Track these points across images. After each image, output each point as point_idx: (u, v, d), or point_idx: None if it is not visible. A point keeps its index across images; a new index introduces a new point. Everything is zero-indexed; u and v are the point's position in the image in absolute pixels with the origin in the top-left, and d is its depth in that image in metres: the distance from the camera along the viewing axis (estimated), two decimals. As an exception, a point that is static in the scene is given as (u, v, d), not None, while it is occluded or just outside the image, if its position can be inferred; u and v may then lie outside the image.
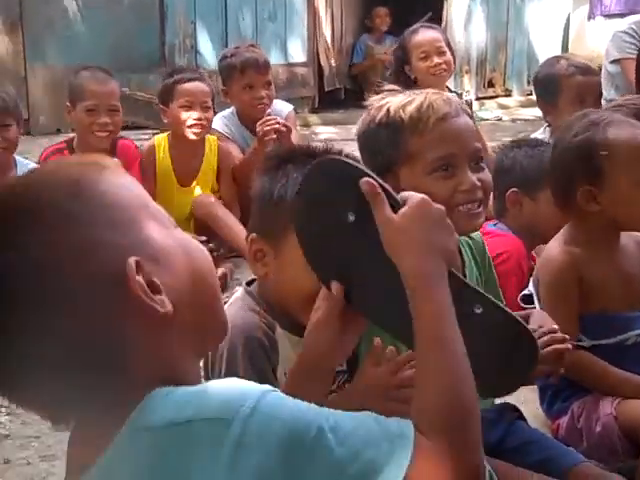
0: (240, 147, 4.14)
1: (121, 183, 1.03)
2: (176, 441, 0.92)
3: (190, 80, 3.90)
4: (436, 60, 4.08)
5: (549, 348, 1.74)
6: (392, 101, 1.83)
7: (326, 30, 8.02)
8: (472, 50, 8.61)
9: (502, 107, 8.49)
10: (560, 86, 3.75)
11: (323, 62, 7.97)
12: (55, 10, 6.71)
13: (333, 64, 8.12)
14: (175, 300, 0.97)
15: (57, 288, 0.92)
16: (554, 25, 8.85)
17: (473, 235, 1.99)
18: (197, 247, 1.06)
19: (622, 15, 7.25)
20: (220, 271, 3.45)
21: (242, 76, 4.13)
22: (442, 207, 1.17)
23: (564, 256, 2.23)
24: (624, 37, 4.66)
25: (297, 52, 7.78)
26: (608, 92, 4.68)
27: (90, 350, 0.93)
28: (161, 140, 4.02)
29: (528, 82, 8.44)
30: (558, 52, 8.83)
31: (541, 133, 3.85)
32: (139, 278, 0.93)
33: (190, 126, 3.84)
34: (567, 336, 1.79)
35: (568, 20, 8.73)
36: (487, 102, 8.64)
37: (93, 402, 0.96)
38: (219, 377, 1.60)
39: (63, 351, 0.93)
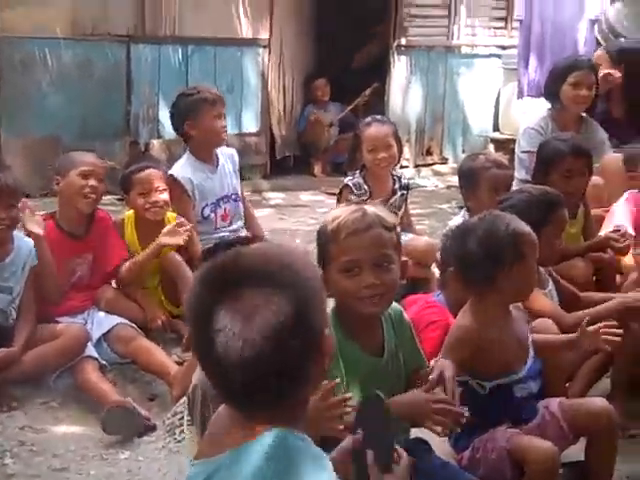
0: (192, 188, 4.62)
1: None
2: None
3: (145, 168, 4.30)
4: (382, 154, 4.70)
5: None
6: (331, 214, 2.51)
7: (278, 101, 8.52)
8: (411, 120, 9.12)
9: (438, 174, 8.97)
10: (478, 178, 4.25)
11: (275, 132, 8.48)
12: (30, 83, 7.12)
13: (284, 133, 8.59)
14: None
15: None
16: (486, 99, 9.41)
17: (394, 307, 2.63)
18: None
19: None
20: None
21: (213, 107, 4.65)
22: None
23: (469, 323, 2.79)
24: (532, 133, 5.35)
25: (251, 123, 8.31)
26: (519, 173, 5.27)
27: None
28: (130, 217, 4.36)
29: (463, 151, 9.05)
30: (490, 125, 9.52)
31: (461, 217, 4.32)
32: None
33: (147, 208, 4.23)
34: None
35: (499, 95, 9.32)
36: (424, 170, 9.15)
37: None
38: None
39: None
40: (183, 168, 4.70)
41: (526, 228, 2.83)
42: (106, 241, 4.17)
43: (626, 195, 4.57)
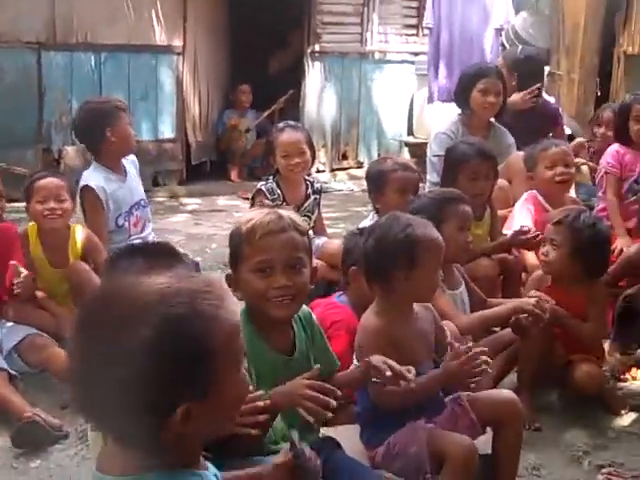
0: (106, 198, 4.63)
1: None
2: None
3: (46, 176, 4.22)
4: (295, 160, 4.76)
5: None
6: (245, 216, 2.54)
7: (193, 108, 8.50)
8: (327, 125, 9.21)
9: (354, 178, 9.03)
10: (386, 180, 4.37)
11: (190, 138, 8.46)
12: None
13: (200, 139, 8.58)
14: None
15: None
16: (400, 104, 9.54)
17: (302, 308, 2.66)
18: None
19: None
20: None
21: (126, 114, 4.78)
22: None
23: (376, 323, 2.83)
24: (443, 137, 5.48)
25: (167, 129, 8.29)
26: (432, 176, 5.44)
27: None
28: (32, 228, 4.27)
29: (378, 155, 9.11)
30: (404, 129, 9.66)
31: (370, 219, 4.41)
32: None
33: (45, 216, 4.13)
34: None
35: (412, 100, 9.46)
36: (340, 173, 9.25)
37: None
38: None
39: None
40: (95, 178, 4.68)
41: (427, 233, 2.84)
42: (9, 254, 4.05)
43: (525, 195, 4.74)
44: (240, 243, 2.49)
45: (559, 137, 6.07)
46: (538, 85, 6.09)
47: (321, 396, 2.31)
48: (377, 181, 4.47)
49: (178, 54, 8.28)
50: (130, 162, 4.96)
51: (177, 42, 8.24)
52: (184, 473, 1.47)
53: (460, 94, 5.69)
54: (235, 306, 1.50)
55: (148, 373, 1.35)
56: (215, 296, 1.45)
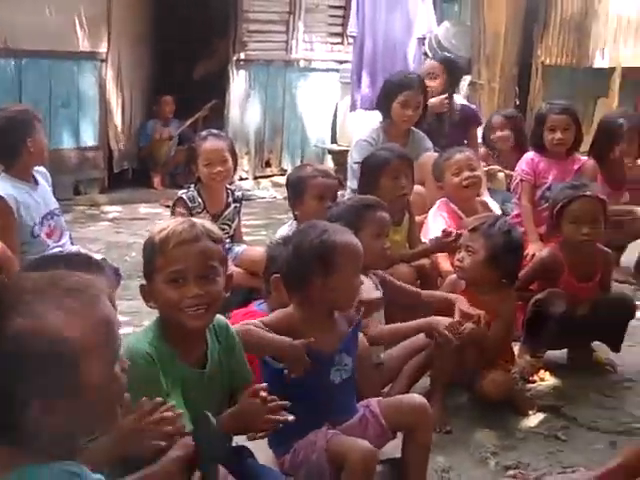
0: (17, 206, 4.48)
1: None
2: None
3: None
4: (217, 169, 4.77)
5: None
6: (158, 226, 2.53)
7: (116, 116, 8.45)
8: (251, 133, 9.22)
9: (277, 185, 9.02)
10: (305, 186, 4.40)
11: (113, 145, 8.40)
12: None
13: (122, 147, 8.52)
14: None
15: None
16: (324, 112, 9.62)
17: (218, 318, 2.65)
18: None
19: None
20: None
21: (41, 124, 4.68)
22: None
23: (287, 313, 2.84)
24: (363, 144, 5.57)
25: (89, 137, 8.20)
26: (352, 183, 5.50)
27: None
28: None
29: (301, 162, 9.12)
30: (328, 136, 9.73)
31: (288, 226, 4.45)
32: None
33: None
34: None
35: (336, 108, 9.53)
36: (263, 181, 9.26)
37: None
38: None
39: None
40: (3, 187, 4.54)
41: (343, 239, 2.83)
42: None
43: (437, 203, 4.84)
44: (153, 253, 2.46)
45: (473, 139, 6.27)
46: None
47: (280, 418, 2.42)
48: (296, 187, 4.50)
49: (101, 61, 8.21)
50: (41, 173, 4.86)
51: (100, 49, 8.16)
52: (60, 464, 1.46)
53: (382, 102, 5.80)
54: (108, 307, 1.51)
55: (3, 367, 1.38)
56: (84, 296, 1.47)
